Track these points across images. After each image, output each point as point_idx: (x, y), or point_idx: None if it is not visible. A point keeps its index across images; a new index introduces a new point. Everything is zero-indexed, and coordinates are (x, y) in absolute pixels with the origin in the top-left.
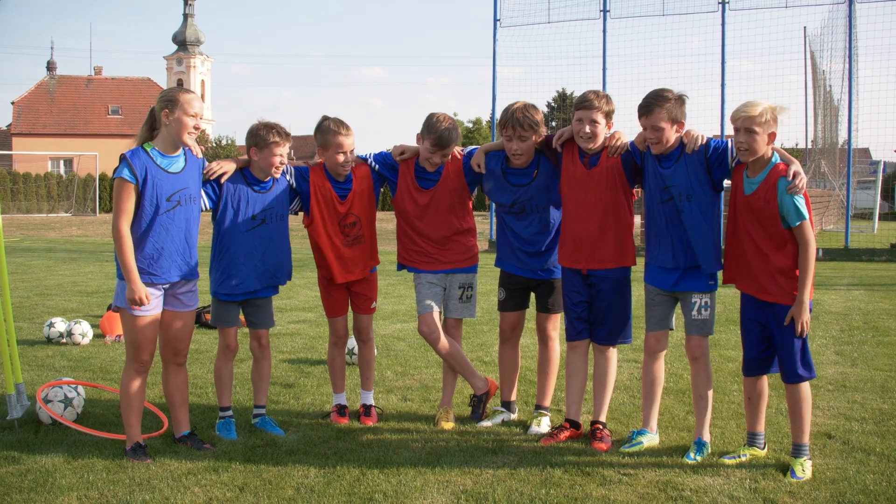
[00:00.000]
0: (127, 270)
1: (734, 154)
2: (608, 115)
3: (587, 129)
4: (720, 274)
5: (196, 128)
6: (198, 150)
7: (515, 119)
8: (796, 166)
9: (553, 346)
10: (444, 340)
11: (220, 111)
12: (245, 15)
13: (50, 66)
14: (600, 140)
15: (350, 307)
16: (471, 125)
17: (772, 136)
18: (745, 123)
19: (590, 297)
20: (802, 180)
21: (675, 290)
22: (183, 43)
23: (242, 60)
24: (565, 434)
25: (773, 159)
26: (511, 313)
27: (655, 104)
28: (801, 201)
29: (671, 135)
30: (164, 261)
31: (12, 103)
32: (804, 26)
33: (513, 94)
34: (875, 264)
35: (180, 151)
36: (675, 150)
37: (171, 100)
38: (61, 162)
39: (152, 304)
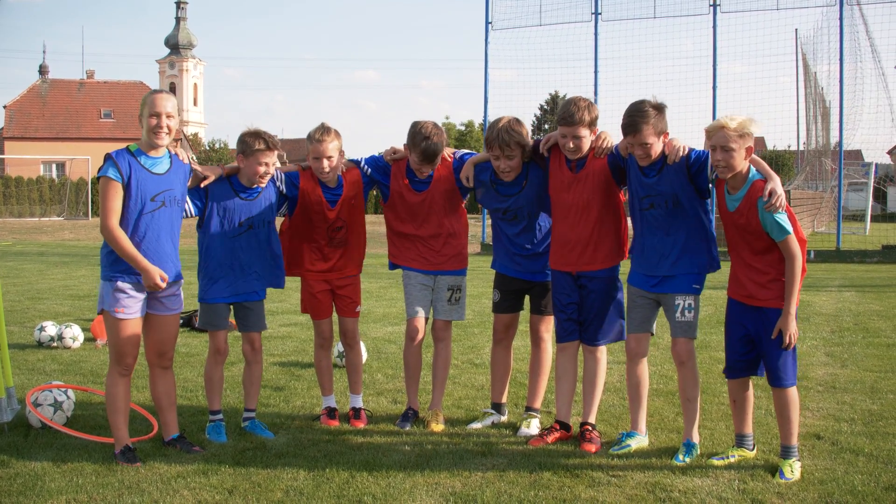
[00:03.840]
0: (134, 260)
1: (713, 170)
2: (592, 125)
3: (571, 145)
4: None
5: (163, 126)
6: (184, 157)
7: (502, 139)
8: (773, 183)
9: (545, 347)
10: (415, 349)
11: (213, 114)
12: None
13: (42, 70)
14: (586, 149)
15: (335, 311)
16: (463, 128)
17: (749, 151)
18: (721, 141)
19: (579, 299)
20: (780, 198)
21: (657, 292)
22: (175, 46)
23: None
24: (555, 436)
25: (751, 175)
26: (505, 315)
27: (641, 122)
28: (782, 217)
29: (659, 146)
30: (148, 261)
31: (4, 107)
32: (795, 28)
33: (505, 97)
34: (866, 266)
35: (164, 153)
36: (658, 159)
37: (143, 101)
38: (53, 166)
39: (135, 307)
